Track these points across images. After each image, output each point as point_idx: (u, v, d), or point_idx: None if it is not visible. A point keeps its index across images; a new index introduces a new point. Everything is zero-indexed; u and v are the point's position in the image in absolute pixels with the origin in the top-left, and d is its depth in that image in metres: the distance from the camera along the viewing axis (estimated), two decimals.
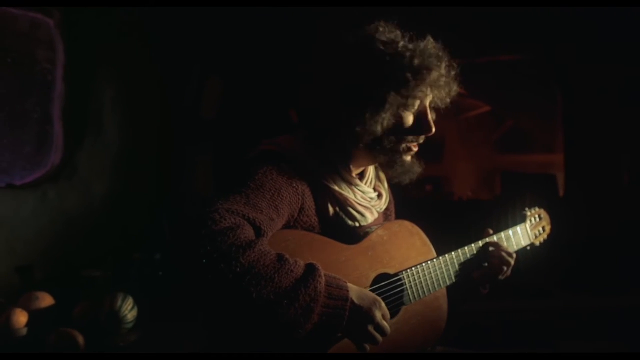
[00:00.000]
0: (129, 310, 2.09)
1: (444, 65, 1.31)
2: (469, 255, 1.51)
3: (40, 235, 2.59)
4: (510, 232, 1.65)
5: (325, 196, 1.32)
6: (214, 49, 3.33)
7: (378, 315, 1.16)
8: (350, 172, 1.37)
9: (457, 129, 4.94)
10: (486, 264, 1.53)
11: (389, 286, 1.31)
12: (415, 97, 1.28)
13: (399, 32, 1.32)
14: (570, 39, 3.44)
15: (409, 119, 1.32)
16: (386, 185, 1.53)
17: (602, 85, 3.50)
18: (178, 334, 2.17)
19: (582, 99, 3.62)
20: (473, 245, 1.54)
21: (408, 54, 1.27)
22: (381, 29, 1.31)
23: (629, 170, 3.56)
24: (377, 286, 1.29)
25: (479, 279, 1.53)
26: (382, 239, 1.36)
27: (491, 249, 1.54)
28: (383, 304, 1.19)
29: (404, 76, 1.25)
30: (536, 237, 1.76)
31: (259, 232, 1.12)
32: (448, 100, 1.39)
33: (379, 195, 1.48)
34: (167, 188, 3.15)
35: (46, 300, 2.19)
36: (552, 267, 3.06)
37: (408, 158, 1.36)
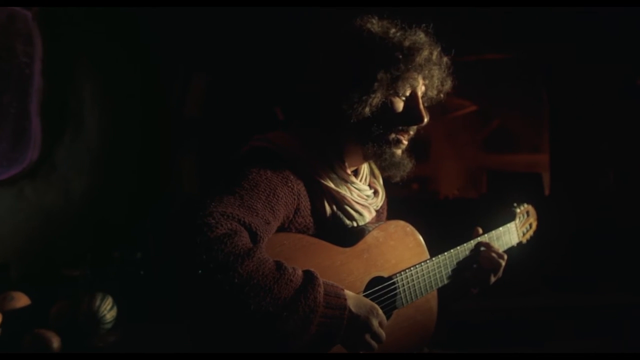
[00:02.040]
0: (107, 310, 2.04)
1: (435, 53, 1.29)
2: (460, 256, 1.49)
3: (16, 233, 2.52)
4: (501, 230, 1.63)
5: (321, 195, 1.28)
6: (199, 46, 3.28)
7: (375, 323, 1.12)
8: (345, 169, 1.32)
9: (443, 128, 4.95)
10: (476, 265, 1.51)
11: (382, 290, 1.28)
12: (404, 80, 1.24)
13: (391, 24, 1.30)
14: (557, 38, 3.46)
15: (399, 106, 1.27)
16: (381, 181, 1.49)
17: (588, 85, 3.52)
18: (158, 335, 2.12)
19: (568, 99, 3.64)
20: (465, 244, 1.51)
21: (399, 34, 1.26)
22: (373, 20, 1.30)
23: (613, 170, 3.59)
24: (371, 291, 1.26)
25: (470, 279, 1.51)
26: (378, 241, 1.32)
27: (482, 249, 1.52)
28: (380, 311, 1.15)
29: (393, 55, 1.22)
30: (524, 234, 1.75)
31: (254, 237, 1.06)
32: (441, 94, 1.36)
33: (375, 192, 1.44)
34: (149, 186, 3.10)
35: (21, 300, 2.13)
36: (538, 266, 3.07)
37: (398, 151, 1.31)
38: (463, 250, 1.49)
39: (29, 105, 2.71)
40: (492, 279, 1.51)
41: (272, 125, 1.38)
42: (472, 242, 1.52)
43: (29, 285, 2.26)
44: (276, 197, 1.15)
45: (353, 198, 1.32)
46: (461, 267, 1.48)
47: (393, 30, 1.27)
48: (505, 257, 1.52)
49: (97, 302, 2.03)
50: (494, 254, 1.50)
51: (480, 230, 1.57)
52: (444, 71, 1.33)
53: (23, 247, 2.52)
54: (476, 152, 4.97)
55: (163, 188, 3.17)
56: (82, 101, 2.86)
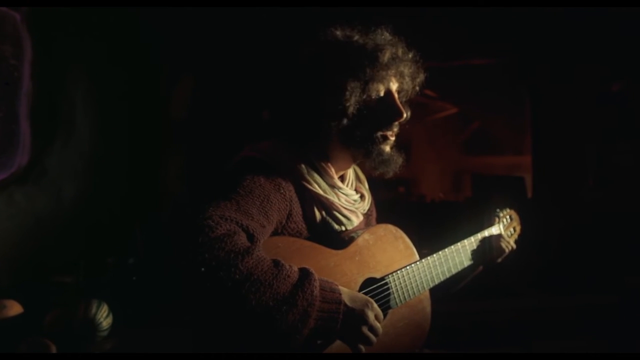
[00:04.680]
0: (104, 318, 2.03)
1: (400, 50, 1.35)
2: (449, 257, 1.56)
3: (6, 239, 2.48)
4: (486, 232, 1.73)
5: (311, 201, 1.33)
6: (187, 47, 3.28)
7: (371, 315, 1.18)
8: (332, 175, 1.38)
9: (424, 131, 5.00)
10: (470, 262, 1.62)
11: (376, 290, 1.33)
12: (375, 82, 1.31)
13: (355, 30, 1.37)
14: (539, 42, 3.52)
15: (377, 106, 1.34)
16: (366, 185, 1.56)
17: (570, 88, 3.58)
18: (155, 340, 2.12)
19: (550, 102, 3.71)
20: (452, 246, 1.59)
21: (361, 40, 1.33)
22: (336, 31, 1.37)
23: (594, 172, 3.67)
24: (364, 291, 1.31)
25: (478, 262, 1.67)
26: (368, 243, 1.38)
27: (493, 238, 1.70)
28: (375, 305, 1.21)
29: (359, 62, 1.29)
30: (508, 237, 1.82)
31: (251, 238, 1.12)
32: (416, 87, 1.43)
33: (361, 197, 1.50)
34: (142, 190, 3.08)
35: (14, 308, 2.11)
36: (522, 268, 3.14)
37: (387, 148, 1.38)
38: (451, 252, 1.57)
39: (18, 109, 2.67)
40: (499, 260, 1.71)
41: (259, 128, 1.42)
42: (459, 244, 1.61)
43: (21, 293, 2.23)
44: (269, 202, 1.21)
45: (341, 203, 1.38)
46: (451, 267, 1.56)
47: (356, 36, 1.34)
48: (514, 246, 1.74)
49: (94, 310, 2.02)
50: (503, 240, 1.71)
51: (496, 220, 1.75)
52: (412, 65, 1.39)
53: (13, 254, 2.49)
54: (458, 154, 5.05)
55: (156, 192, 3.15)
56: (73, 105, 2.83)
